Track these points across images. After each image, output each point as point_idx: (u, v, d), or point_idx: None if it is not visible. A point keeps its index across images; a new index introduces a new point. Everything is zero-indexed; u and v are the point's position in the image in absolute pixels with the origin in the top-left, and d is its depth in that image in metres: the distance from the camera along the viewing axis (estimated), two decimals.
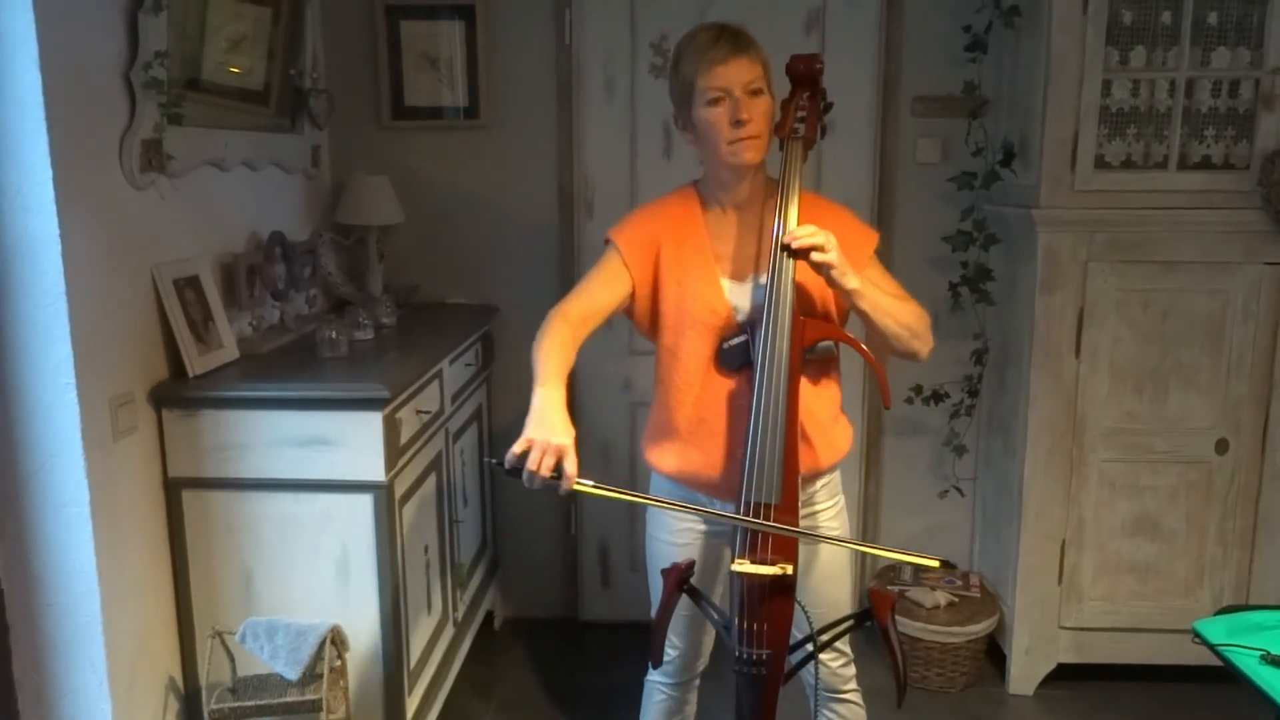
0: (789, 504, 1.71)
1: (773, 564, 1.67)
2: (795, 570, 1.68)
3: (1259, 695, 1.78)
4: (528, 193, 3.22)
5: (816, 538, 1.91)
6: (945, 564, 1.76)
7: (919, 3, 3.06)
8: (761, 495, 1.70)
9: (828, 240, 1.67)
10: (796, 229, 1.69)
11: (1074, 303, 2.78)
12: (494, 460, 1.65)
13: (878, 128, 3.12)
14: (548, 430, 1.60)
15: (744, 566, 1.68)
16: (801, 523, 1.86)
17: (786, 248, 1.70)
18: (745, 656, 1.70)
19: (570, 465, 1.58)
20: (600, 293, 1.88)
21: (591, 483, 1.60)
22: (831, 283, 1.72)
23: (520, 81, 3.16)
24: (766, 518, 1.70)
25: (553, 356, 1.74)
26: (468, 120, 3.17)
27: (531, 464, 1.57)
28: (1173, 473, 2.85)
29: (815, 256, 1.67)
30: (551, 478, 1.57)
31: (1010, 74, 2.99)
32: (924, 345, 1.84)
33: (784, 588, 1.68)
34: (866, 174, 3.15)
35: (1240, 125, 2.73)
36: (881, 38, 3.08)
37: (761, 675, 1.69)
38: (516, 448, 1.59)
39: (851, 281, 1.71)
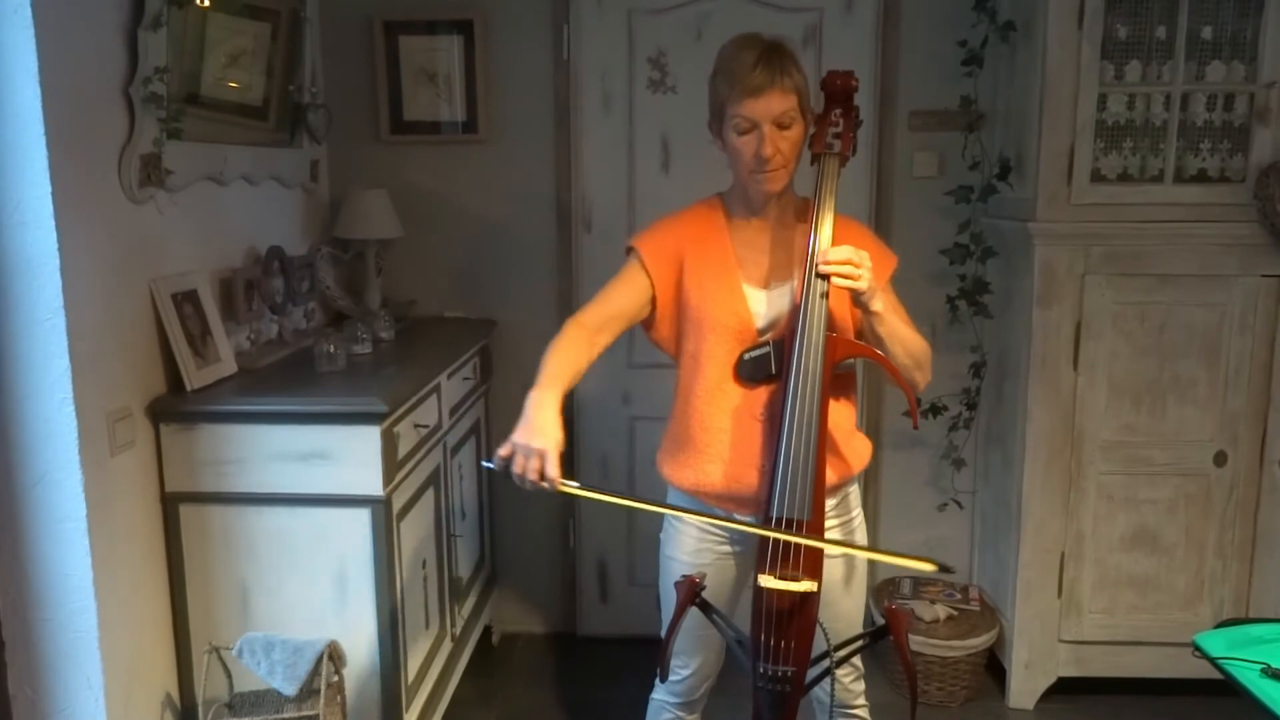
0: (818, 520, 1.71)
1: (799, 580, 1.66)
2: (820, 586, 1.68)
3: (1260, 709, 1.78)
4: (526, 207, 3.22)
5: (842, 544, 1.91)
6: (943, 567, 1.66)
7: (915, 18, 3.08)
8: (793, 511, 1.69)
9: (862, 260, 1.66)
10: (831, 252, 1.68)
11: (1071, 316, 2.79)
12: (488, 462, 1.69)
13: (875, 142, 3.13)
14: (530, 433, 1.63)
15: (770, 582, 1.67)
16: (838, 532, 1.87)
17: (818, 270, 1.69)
18: (769, 673, 1.69)
19: (550, 469, 1.60)
20: (619, 298, 1.88)
21: (577, 484, 1.64)
22: (857, 302, 1.72)
23: (518, 96, 3.17)
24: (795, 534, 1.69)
25: (556, 360, 1.75)
26: (466, 135, 3.18)
27: (516, 468, 1.61)
28: (1171, 485, 2.85)
29: (840, 282, 1.65)
30: (539, 480, 1.61)
31: (1006, 88, 3.00)
32: (924, 378, 1.86)
33: (809, 604, 1.67)
34: (864, 188, 3.15)
35: (1235, 139, 2.75)
36: (878, 52, 3.09)
37: (785, 692, 1.69)
38: (502, 450, 1.64)
39: (877, 304, 1.71)
